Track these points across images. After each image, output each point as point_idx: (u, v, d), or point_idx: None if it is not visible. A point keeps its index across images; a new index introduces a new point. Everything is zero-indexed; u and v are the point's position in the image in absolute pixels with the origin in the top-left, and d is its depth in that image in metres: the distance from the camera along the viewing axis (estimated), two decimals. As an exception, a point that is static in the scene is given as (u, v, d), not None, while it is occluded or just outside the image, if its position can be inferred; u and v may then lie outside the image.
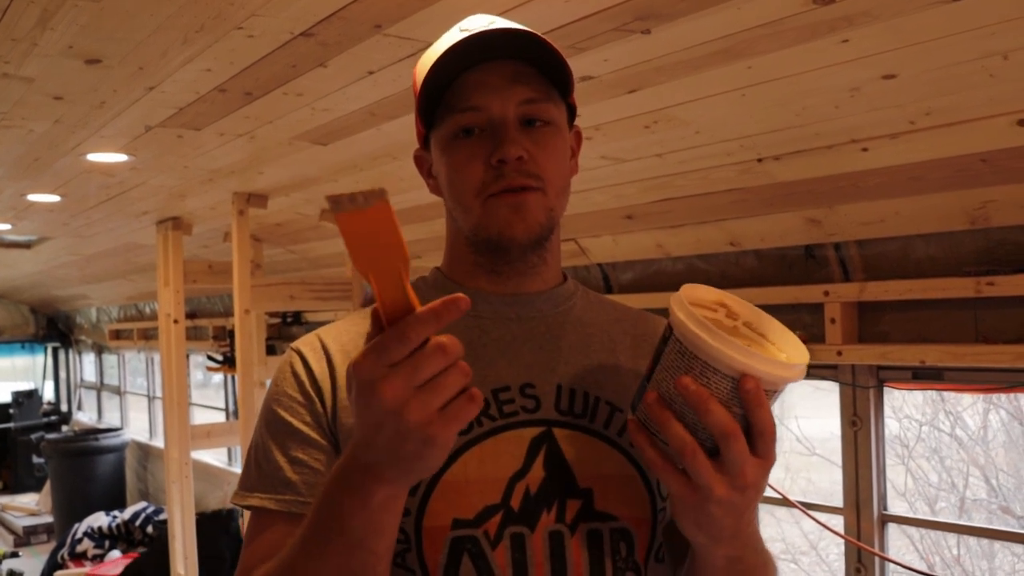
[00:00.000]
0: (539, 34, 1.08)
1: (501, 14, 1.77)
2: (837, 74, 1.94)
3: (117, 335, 9.02)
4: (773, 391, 0.91)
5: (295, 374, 1.14)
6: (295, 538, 0.94)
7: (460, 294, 0.78)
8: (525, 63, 1.11)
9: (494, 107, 1.09)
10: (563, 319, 1.20)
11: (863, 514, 2.83)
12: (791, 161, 2.45)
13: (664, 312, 1.30)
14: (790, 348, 0.98)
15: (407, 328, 0.77)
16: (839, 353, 2.68)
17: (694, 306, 0.96)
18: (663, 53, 1.92)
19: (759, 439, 0.90)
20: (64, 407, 11.86)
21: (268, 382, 1.08)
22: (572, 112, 1.20)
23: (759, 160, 2.49)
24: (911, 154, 2.23)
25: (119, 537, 7.34)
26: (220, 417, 7.43)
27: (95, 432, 9.20)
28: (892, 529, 2.99)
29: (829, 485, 5.50)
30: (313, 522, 0.91)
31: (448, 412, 0.79)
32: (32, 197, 4.14)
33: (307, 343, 1.17)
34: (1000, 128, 2.01)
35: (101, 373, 10.81)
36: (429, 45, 1.94)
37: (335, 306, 4.40)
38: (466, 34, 1.08)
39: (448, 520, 1.04)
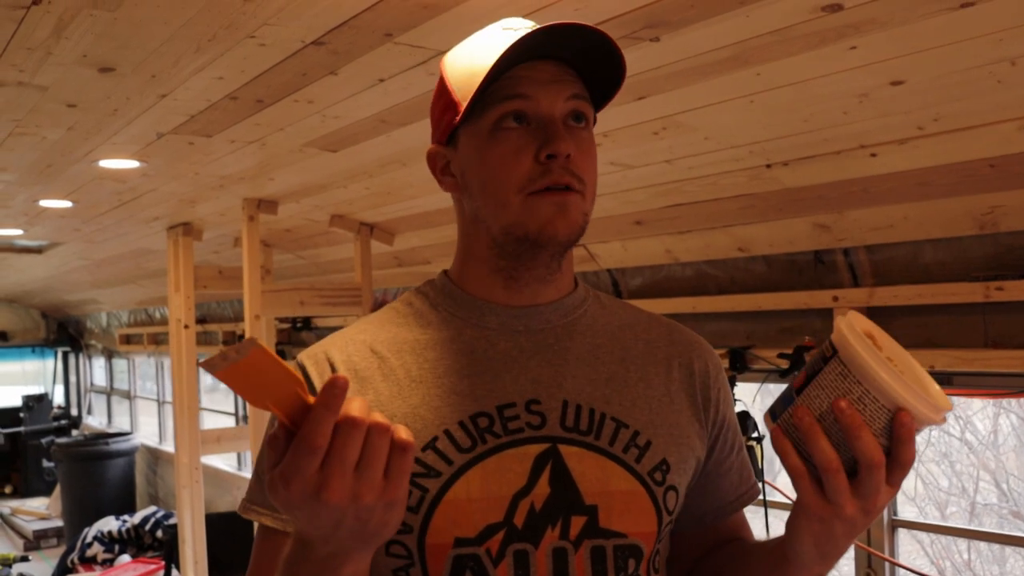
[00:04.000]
0: (599, 29, 1.07)
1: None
2: (845, 80, 1.95)
3: (127, 340, 9.05)
4: (919, 429, 0.93)
5: None
6: None
7: (339, 375, 0.79)
8: (569, 68, 1.10)
9: (543, 98, 1.07)
10: (572, 329, 1.18)
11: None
12: (800, 167, 2.46)
13: (675, 318, 1.32)
14: (930, 389, 0.98)
15: (312, 435, 0.77)
16: (848, 358, 2.68)
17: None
18: (672, 60, 1.93)
19: (898, 471, 0.91)
20: (74, 411, 11.89)
21: None
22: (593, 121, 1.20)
23: (768, 166, 2.50)
24: (919, 159, 2.24)
25: (129, 541, 7.36)
26: (230, 422, 7.45)
27: (105, 436, 9.23)
28: (903, 534, 2.99)
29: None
30: None
31: (392, 471, 0.80)
32: (44, 203, 4.17)
33: (312, 357, 1.16)
34: (1008, 133, 2.02)
35: (111, 378, 10.84)
36: (439, 53, 1.98)
37: (345, 311, 4.41)
38: (515, 33, 1.07)
39: (450, 538, 1.04)
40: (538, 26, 1.06)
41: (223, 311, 6.98)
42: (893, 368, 0.88)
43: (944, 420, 0.92)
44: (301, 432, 0.77)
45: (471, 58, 1.11)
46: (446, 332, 1.16)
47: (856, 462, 0.91)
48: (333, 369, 1.13)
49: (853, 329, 0.91)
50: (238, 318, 5.87)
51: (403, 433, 0.81)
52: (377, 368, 1.13)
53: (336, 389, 0.77)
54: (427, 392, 1.10)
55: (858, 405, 0.89)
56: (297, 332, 5.97)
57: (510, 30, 1.10)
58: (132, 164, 3.21)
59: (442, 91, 1.16)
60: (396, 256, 4.54)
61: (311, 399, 0.79)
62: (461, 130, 1.13)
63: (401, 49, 1.96)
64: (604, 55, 1.09)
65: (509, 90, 1.07)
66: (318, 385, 1.11)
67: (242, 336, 4.87)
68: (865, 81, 1.93)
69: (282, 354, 5.51)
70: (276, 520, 1.08)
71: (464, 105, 1.09)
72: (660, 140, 2.47)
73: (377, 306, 4.96)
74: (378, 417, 0.79)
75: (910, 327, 2.65)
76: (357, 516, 0.79)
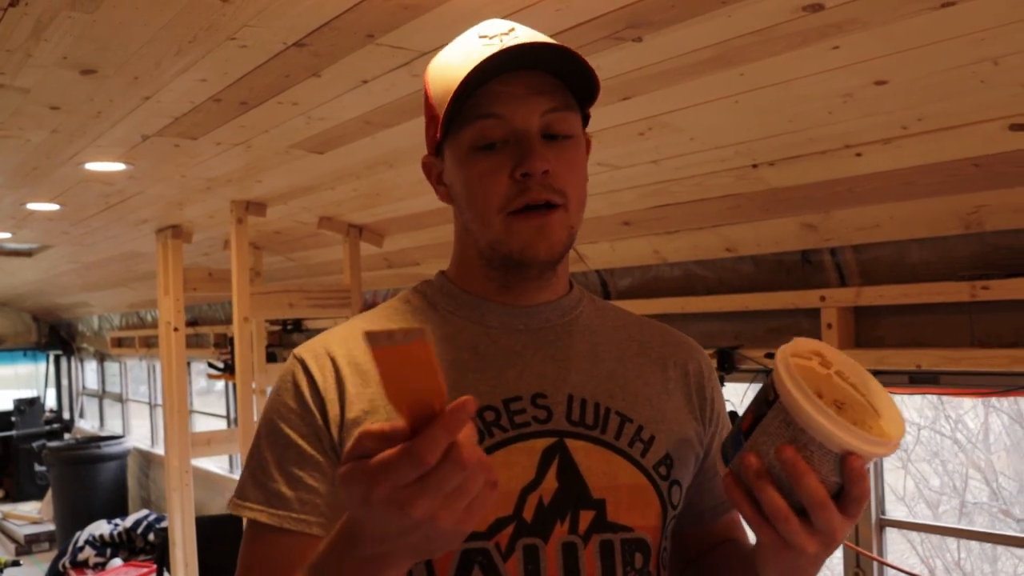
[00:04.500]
0: (568, 47, 1.06)
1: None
2: (829, 80, 1.94)
3: (119, 343, 9.04)
4: (870, 461, 0.94)
5: (296, 384, 1.11)
6: None
7: (469, 397, 0.75)
8: (552, 71, 1.08)
9: (517, 117, 1.06)
10: (571, 328, 1.19)
11: (861, 518, 2.83)
12: (786, 167, 2.46)
13: (663, 318, 1.32)
14: (881, 403, 0.99)
15: (425, 451, 0.74)
16: (835, 358, 2.68)
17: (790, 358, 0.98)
18: (656, 60, 1.92)
19: (852, 504, 0.92)
20: (66, 415, 11.87)
21: (269, 389, 1.08)
22: (585, 120, 1.18)
23: (754, 166, 2.49)
24: (904, 159, 2.24)
25: (121, 545, 7.34)
26: (221, 424, 7.43)
27: (97, 440, 9.21)
28: (894, 534, 2.99)
29: (830, 489, 5.48)
30: None
31: (474, 504, 0.77)
32: (31, 206, 4.15)
33: (311, 351, 1.14)
34: (992, 133, 2.02)
35: (103, 381, 10.81)
36: (422, 54, 1.97)
37: (334, 313, 4.41)
38: (489, 45, 1.07)
39: None
40: (508, 41, 1.06)
41: (214, 313, 6.96)
42: (833, 414, 0.88)
43: (896, 448, 0.93)
44: (416, 443, 0.73)
45: (447, 71, 1.10)
46: (447, 329, 1.15)
47: (805, 507, 0.91)
48: (334, 364, 1.11)
49: (791, 373, 0.91)
50: (229, 320, 5.84)
51: (494, 475, 0.79)
52: None
53: (463, 414, 0.75)
54: None
55: (804, 452, 0.90)
56: (288, 334, 5.96)
57: (485, 37, 1.09)
58: (118, 167, 3.20)
59: (426, 102, 1.16)
60: (386, 258, 4.53)
61: (440, 410, 0.76)
62: (445, 143, 1.13)
63: (383, 50, 1.95)
64: (579, 67, 1.08)
65: (482, 108, 1.07)
66: (320, 381, 1.10)
67: (231, 340, 4.85)
68: (849, 81, 1.93)
69: (272, 357, 5.50)
70: (273, 517, 1.06)
71: (440, 122, 1.10)
72: (646, 141, 2.47)
73: (367, 307, 4.95)
74: (483, 454, 0.77)
75: (896, 327, 2.65)
76: (427, 534, 0.77)
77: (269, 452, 1.10)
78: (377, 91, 2.24)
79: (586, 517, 1.07)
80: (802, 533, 0.91)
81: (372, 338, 0.72)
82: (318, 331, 5.89)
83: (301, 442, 1.08)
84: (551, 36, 1.82)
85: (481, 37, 1.09)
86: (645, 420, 1.14)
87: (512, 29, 1.10)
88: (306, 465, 1.08)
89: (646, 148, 2.54)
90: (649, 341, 1.24)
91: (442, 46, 1.94)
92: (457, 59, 1.09)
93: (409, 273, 4.62)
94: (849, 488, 0.91)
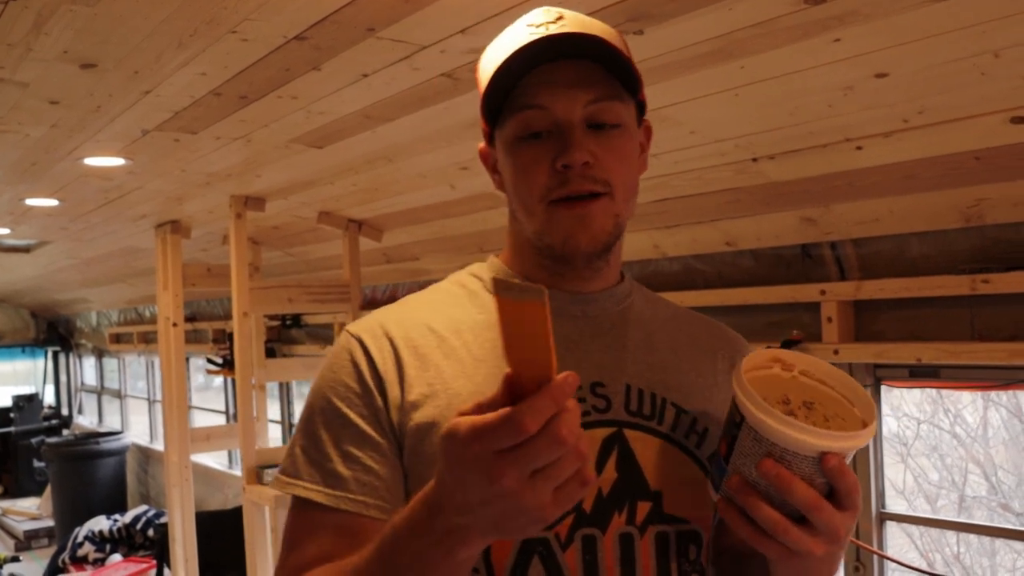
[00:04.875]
0: (606, 39, 1.06)
1: (491, 18, 1.78)
2: (830, 73, 1.94)
3: (117, 339, 9.03)
4: (850, 454, 0.95)
5: (354, 362, 1.10)
6: None
7: (572, 373, 0.75)
8: (593, 61, 1.07)
9: (559, 108, 1.06)
10: (625, 317, 1.19)
11: (861, 512, 2.83)
12: (786, 160, 2.46)
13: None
14: (849, 392, 1.01)
15: (525, 419, 0.73)
16: (836, 352, 2.69)
17: (749, 372, 0.99)
18: (656, 54, 1.92)
19: (844, 499, 0.93)
20: (65, 411, 11.87)
21: (311, 382, 1.07)
22: (642, 108, 1.17)
23: (754, 160, 2.49)
24: (905, 152, 2.24)
25: (120, 540, 7.34)
26: (220, 420, 7.43)
27: (96, 436, 9.20)
28: (893, 527, 2.99)
29: (829, 484, 5.48)
30: (387, 566, 0.89)
31: (561, 494, 0.77)
32: (30, 201, 4.15)
33: (367, 330, 1.13)
34: (993, 126, 2.02)
35: (102, 377, 10.81)
36: (422, 48, 1.97)
37: (333, 308, 4.41)
38: (534, 34, 1.06)
39: None
40: (553, 30, 1.06)
41: (213, 309, 6.96)
42: (795, 421, 0.91)
43: (870, 434, 0.95)
44: (518, 409, 0.73)
45: (492, 61, 1.09)
46: None
47: (801, 513, 0.93)
48: (392, 344, 1.10)
49: (748, 393, 0.93)
50: (228, 316, 5.85)
51: (590, 471, 0.79)
52: (436, 346, 1.11)
53: (568, 387, 0.74)
54: (490, 372, 1.09)
55: (783, 462, 0.91)
56: (287, 329, 5.96)
57: (532, 26, 1.09)
58: (118, 161, 3.20)
59: (479, 92, 1.15)
60: (385, 253, 4.53)
61: (552, 379, 0.75)
62: (495, 132, 1.14)
63: (384, 44, 1.95)
64: (618, 58, 1.07)
65: (526, 99, 1.07)
66: (379, 361, 1.09)
67: (230, 336, 4.85)
68: (849, 74, 1.93)
69: (271, 352, 5.51)
70: (330, 497, 1.04)
71: (483, 113, 1.12)
72: (646, 134, 2.46)
73: (367, 303, 4.95)
74: (584, 440, 0.77)
75: (897, 321, 2.65)
76: (508, 510, 0.76)
77: (324, 430, 1.08)
78: (377, 85, 2.24)
79: (643, 508, 1.07)
80: (805, 538, 0.92)
81: (501, 286, 0.72)
82: (318, 326, 5.88)
83: (360, 422, 1.07)
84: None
85: (528, 26, 1.09)
86: (699, 412, 1.15)
87: (560, 17, 1.10)
88: (365, 446, 1.06)
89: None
90: (698, 333, 1.25)
91: (441, 40, 1.95)
92: (503, 49, 1.08)
93: (408, 268, 4.62)
94: (835, 485, 0.92)
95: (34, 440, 10.26)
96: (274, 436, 6.10)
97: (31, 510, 9.35)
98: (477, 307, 1.16)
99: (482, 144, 1.20)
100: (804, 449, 0.90)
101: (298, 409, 6.52)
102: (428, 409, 1.06)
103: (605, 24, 1.15)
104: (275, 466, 4.04)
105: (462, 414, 0.78)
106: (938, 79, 1.90)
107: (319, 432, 1.08)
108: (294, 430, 1.13)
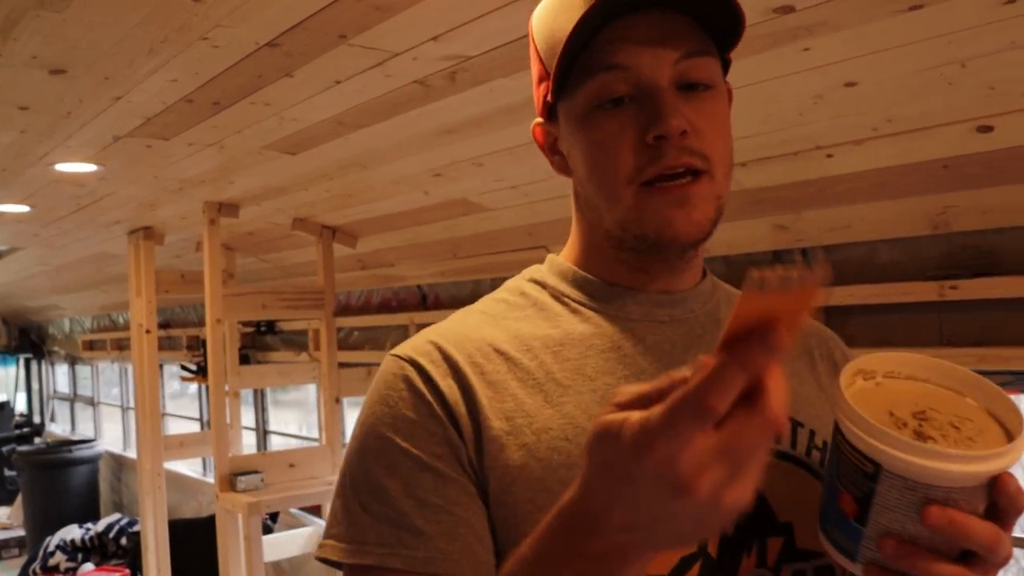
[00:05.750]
0: None
1: (464, 25, 1.78)
2: (800, 82, 1.96)
3: (90, 346, 8.97)
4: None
5: (415, 391, 0.88)
6: None
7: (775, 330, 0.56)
8: (682, 11, 0.89)
9: (644, 67, 0.87)
10: (714, 319, 1.00)
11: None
12: (757, 168, 2.47)
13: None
14: (948, 380, 0.85)
15: (709, 394, 0.55)
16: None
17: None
18: (627, 62, 1.93)
19: (1011, 517, 0.76)
20: (37, 419, 11.75)
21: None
22: (726, 67, 0.97)
23: (726, 167, 2.51)
24: (875, 160, 2.26)
25: (92, 549, 7.27)
26: (194, 427, 7.40)
27: (68, 444, 9.11)
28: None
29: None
30: None
31: (750, 470, 0.58)
32: (1, 208, 4.11)
33: (422, 352, 0.91)
34: (960, 135, 2.04)
35: (74, 384, 10.72)
36: (394, 55, 1.97)
37: (307, 315, 4.40)
38: None
39: None
40: None
41: (186, 316, 6.92)
42: (956, 451, 0.73)
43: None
44: (696, 386, 0.55)
45: (556, 18, 0.93)
46: (582, 327, 0.96)
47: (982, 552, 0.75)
48: (455, 368, 0.89)
49: (884, 432, 0.74)
50: (201, 322, 5.82)
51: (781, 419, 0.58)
52: (508, 371, 0.91)
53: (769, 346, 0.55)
54: (579, 399, 0.90)
55: (949, 504, 0.73)
56: (262, 336, 5.93)
57: None
58: (89, 168, 3.18)
59: (533, 57, 0.99)
60: (359, 259, 4.52)
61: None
62: (559, 104, 0.95)
63: (356, 51, 1.95)
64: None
65: (603, 59, 0.88)
66: (445, 390, 0.88)
67: (204, 342, 4.83)
68: (819, 82, 1.95)
69: (245, 359, 5.48)
70: (406, 560, 0.82)
71: (552, 79, 0.93)
72: (619, 142, 2.47)
73: (341, 309, 4.94)
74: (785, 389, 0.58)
75: (866, 326, 2.67)
76: (702, 515, 0.58)
77: (388, 478, 0.85)
78: (350, 92, 2.23)
79: (774, 546, 0.89)
80: None
81: (758, 282, 0.54)
82: (292, 332, 5.84)
83: (435, 462, 0.85)
84: (523, 38, 1.83)
85: None
86: (814, 423, 0.96)
87: None
88: (446, 489, 0.85)
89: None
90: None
91: (413, 47, 1.93)
92: (564, 4, 0.93)
93: (383, 274, 4.61)
94: (1006, 506, 0.74)
95: (5, 448, 10.13)
96: (248, 443, 6.07)
97: (2, 519, 9.25)
98: (547, 320, 0.97)
99: (537, 120, 1.01)
100: (973, 480, 0.72)
101: (274, 416, 6.51)
102: (513, 451, 0.86)
103: None
104: (250, 472, 4.03)
105: (618, 405, 0.60)
106: (906, 89, 1.91)
107: (382, 482, 0.85)
108: (336, 485, 0.92)
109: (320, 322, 4.35)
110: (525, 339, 0.94)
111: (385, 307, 4.83)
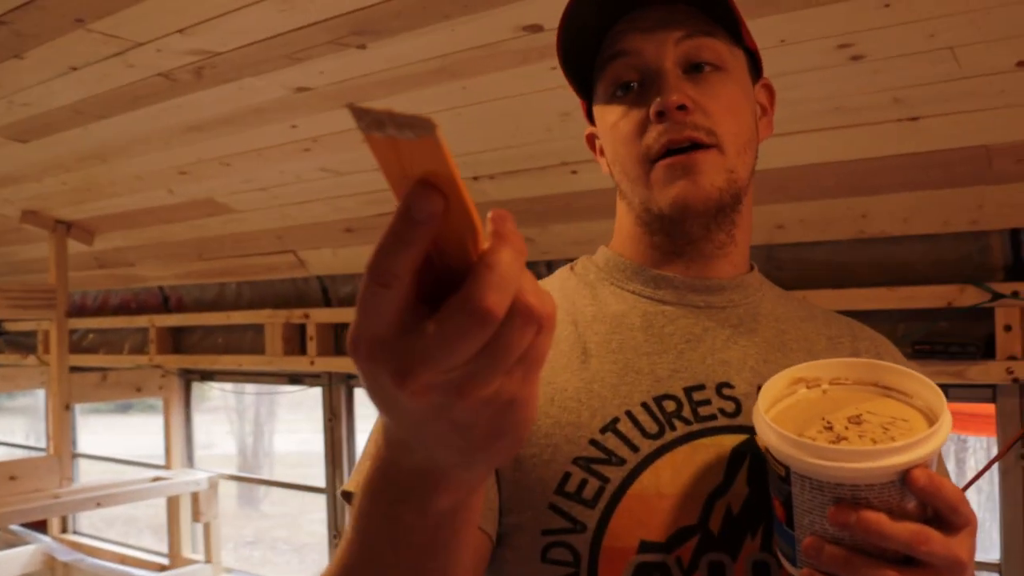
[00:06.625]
0: None
1: (212, 20, 1.73)
2: (548, 99, 2.02)
3: None
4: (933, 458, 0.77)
5: None
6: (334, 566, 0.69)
7: (502, 210, 0.48)
8: (682, 3, 0.95)
9: (647, 50, 0.93)
10: (755, 312, 1.02)
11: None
12: (506, 180, 2.54)
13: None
14: (897, 383, 0.85)
15: (484, 298, 0.45)
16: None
17: (771, 409, 0.83)
18: (380, 68, 1.94)
19: (952, 516, 0.75)
20: None
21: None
22: (755, 61, 1.03)
23: (475, 179, 2.56)
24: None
25: None
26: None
27: None
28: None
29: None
30: (358, 545, 0.66)
31: (530, 355, 0.48)
32: None
33: None
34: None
35: None
36: (138, 45, 1.89)
37: (38, 315, 4.12)
38: None
39: (634, 541, 0.86)
40: None
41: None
42: (853, 448, 0.74)
43: (949, 420, 0.77)
44: (468, 291, 0.45)
45: (568, 24, 0.98)
46: (616, 306, 1.00)
47: (908, 552, 0.74)
48: None
49: (783, 435, 0.76)
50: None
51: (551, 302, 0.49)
52: None
53: (511, 221, 0.48)
54: (600, 367, 0.93)
55: (858, 502, 0.73)
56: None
57: None
58: None
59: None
60: (97, 257, 4.29)
61: (479, 237, 0.48)
62: (593, 107, 1.03)
63: (95, 37, 1.85)
64: None
65: (611, 49, 0.96)
66: None
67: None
68: (566, 101, 2.01)
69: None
70: None
71: (569, 80, 1.03)
72: (368, 147, 2.47)
73: (75, 310, 4.67)
74: (543, 291, 0.49)
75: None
76: (452, 421, 0.50)
77: None
78: (89, 80, 2.12)
79: None
80: None
81: (360, 115, 0.42)
82: (20, 333, 5.48)
83: None
84: (275, 37, 1.80)
85: None
86: None
87: None
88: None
89: (369, 155, 2.53)
90: (838, 336, 1.06)
91: (157, 38, 1.86)
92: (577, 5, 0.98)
93: (123, 274, 4.39)
94: (934, 504, 0.75)
95: None
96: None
97: None
98: (584, 298, 1.01)
99: (589, 129, 1.08)
100: (878, 477, 0.72)
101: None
102: None
103: None
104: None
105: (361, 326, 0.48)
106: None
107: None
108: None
109: (51, 323, 4.08)
110: (571, 310, 1.00)
111: (124, 308, 4.61)
